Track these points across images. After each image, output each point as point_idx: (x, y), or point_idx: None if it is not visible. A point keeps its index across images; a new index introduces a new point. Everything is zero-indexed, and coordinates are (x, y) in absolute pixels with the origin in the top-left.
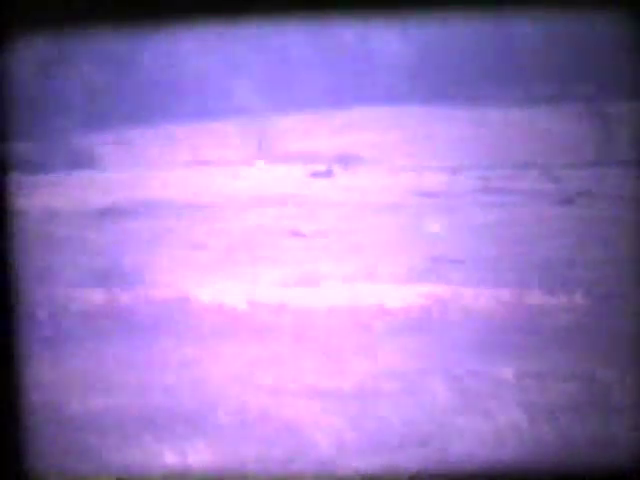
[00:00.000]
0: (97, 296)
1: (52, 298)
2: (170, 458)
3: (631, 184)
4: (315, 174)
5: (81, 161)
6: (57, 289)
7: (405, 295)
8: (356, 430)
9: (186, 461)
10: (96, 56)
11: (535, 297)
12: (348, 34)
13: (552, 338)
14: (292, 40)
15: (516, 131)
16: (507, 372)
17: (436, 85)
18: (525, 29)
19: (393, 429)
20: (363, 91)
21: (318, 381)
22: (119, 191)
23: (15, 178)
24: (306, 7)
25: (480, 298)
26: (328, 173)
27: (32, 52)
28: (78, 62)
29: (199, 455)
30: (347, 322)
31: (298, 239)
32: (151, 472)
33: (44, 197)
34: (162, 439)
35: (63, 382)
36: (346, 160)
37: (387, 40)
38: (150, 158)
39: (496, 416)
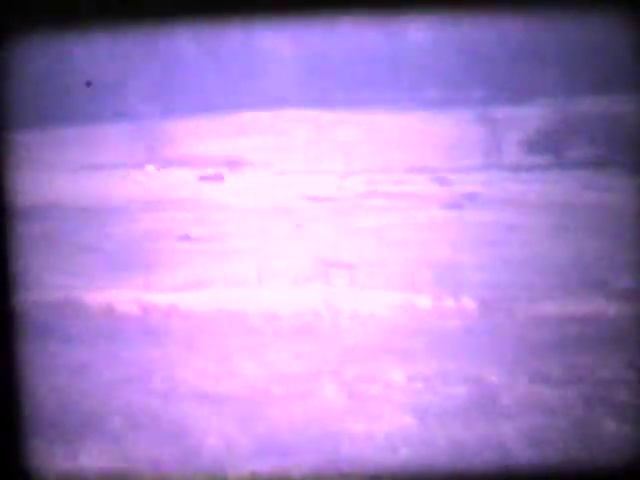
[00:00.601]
0: None
1: None
2: (62, 461)
3: (519, 188)
4: (205, 178)
5: None
6: None
7: (295, 299)
8: (247, 433)
9: (78, 463)
10: None
11: (424, 301)
12: (238, 40)
13: (441, 342)
14: (183, 46)
15: (405, 135)
16: (397, 376)
17: (326, 89)
18: (417, 35)
19: (284, 432)
20: (253, 96)
21: (209, 384)
22: (8, 194)
23: None
24: (196, 13)
25: (369, 302)
26: (218, 177)
27: None
28: None
29: (91, 457)
30: (237, 326)
31: (188, 243)
32: (47, 475)
33: None
34: (54, 442)
35: None
36: (235, 164)
37: (277, 45)
38: (40, 161)
39: (386, 420)
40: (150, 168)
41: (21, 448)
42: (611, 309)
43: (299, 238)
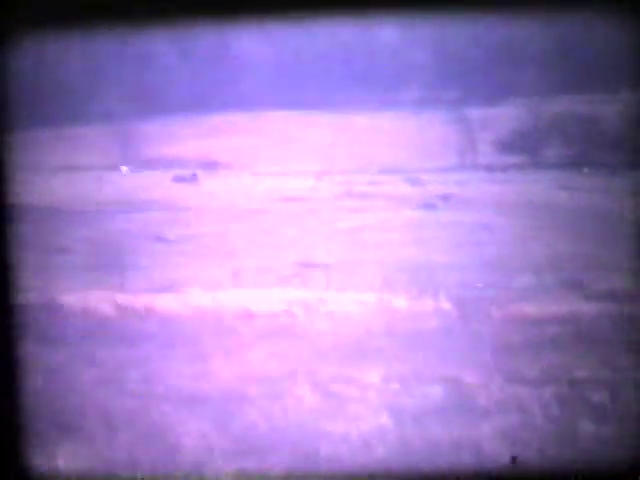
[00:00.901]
0: None
1: None
2: (39, 461)
3: (494, 188)
4: (179, 179)
5: None
6: None
7: (270, 300)
8: (223, 434)
9: (55, 464)
10: None
11: (400, 301)
12: (211, 41)
13: (417, 342)
14: (156, 46)
15: (380, 136)
16: (373, 376)
17: (300, 90)
18: (390, 35)
19: (260, 433)
20: (227, 97)
21: (185, 385)
22: None
23: None
24: (170, 16)
25: (345, 302)
26: (192, 178)
27: None
28: None
29: (68, 458)
30: (213, 327)
31: (163, 244)
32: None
33: None
34: (30, 443)
35: None
36: (210, 165)
37: (251, 46)
38: (14, 163)
39: (362, 420)
40: (124, 169)
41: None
42: (587, 309)
43: (274, 239)
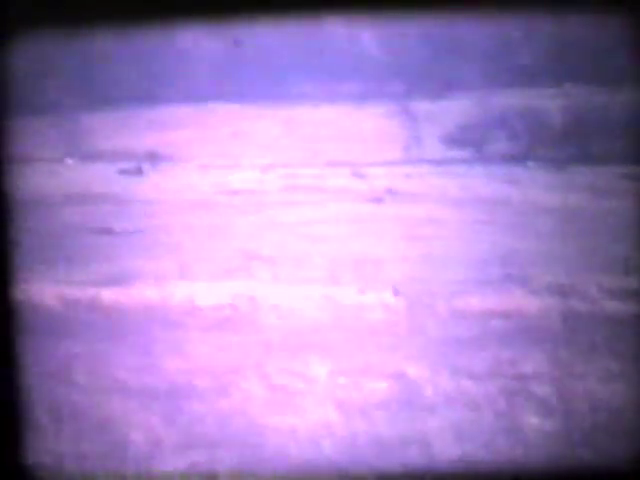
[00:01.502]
0: None
1: None
2: None
3: (440, 182)
4: (125, 172)
5: None
6: None
7: (216, 293)
8: (170, 427)
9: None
10: None
11: (346, 295)
12: (156, 34)
13: (363, 336)
14: (102, 40)
15: (326, 129)
16: (319, 370)
17: (245, 82)
18: (335, 28)
19: (207, 427)
20: (172, 89)
21: (131, 379)
22: None
23: None
24: (116, 10)
25: (291, 296)
26: (138, 171)
27: None
28: None
29: (13, 452)
30: (159, 320)
31: (109, 237)
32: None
33: None
34: None
35: None
36: (155, 158)
37: (195, 39)
38: None
39: (309, 414)
40: (69, 161)
41: None
42: (533, 304)
43: (220, 232)
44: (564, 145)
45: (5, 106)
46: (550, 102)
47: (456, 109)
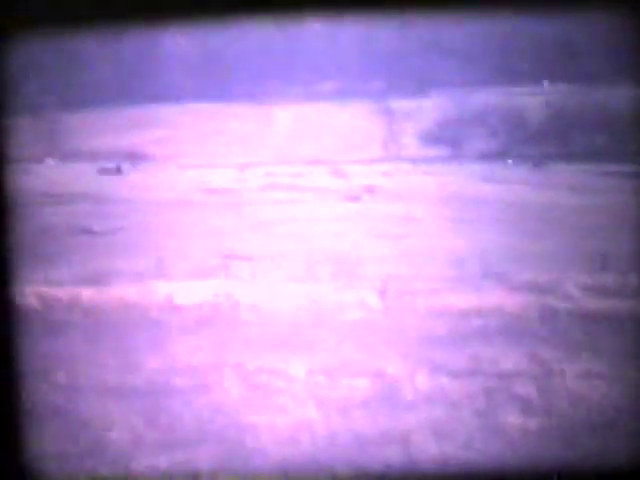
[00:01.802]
0: None
1: None
2: None
3: (418, 180)
4: (104, 171)
5: None
6: None
7: (195, 291)
8: (150, 426)
9: None
10: None
11: (325, 293)
12: (136, 36)
13: (343, 334)
14: (81, 41)
15: (303, 128)
16: (298, 368)
17: (223, 83)
18: (313, 28)
19: (187, 425)
20: (151, 89)
21: (111, 378)
22: None
23: None
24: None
25: (270, 294)
26: (117, 170)
27: None
28: None
29: None
30: (138, 319)
31: (88, 236)
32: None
33: None
34: None
35: None
36: (135, 158)
37: (175, 41)
38: None
39: (289, 412)
40: (50, 161)
41: None
42: (512, 301)
43: (198, 231)
44: (543, 143)
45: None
46: (529, 100)
47: (435, 107)
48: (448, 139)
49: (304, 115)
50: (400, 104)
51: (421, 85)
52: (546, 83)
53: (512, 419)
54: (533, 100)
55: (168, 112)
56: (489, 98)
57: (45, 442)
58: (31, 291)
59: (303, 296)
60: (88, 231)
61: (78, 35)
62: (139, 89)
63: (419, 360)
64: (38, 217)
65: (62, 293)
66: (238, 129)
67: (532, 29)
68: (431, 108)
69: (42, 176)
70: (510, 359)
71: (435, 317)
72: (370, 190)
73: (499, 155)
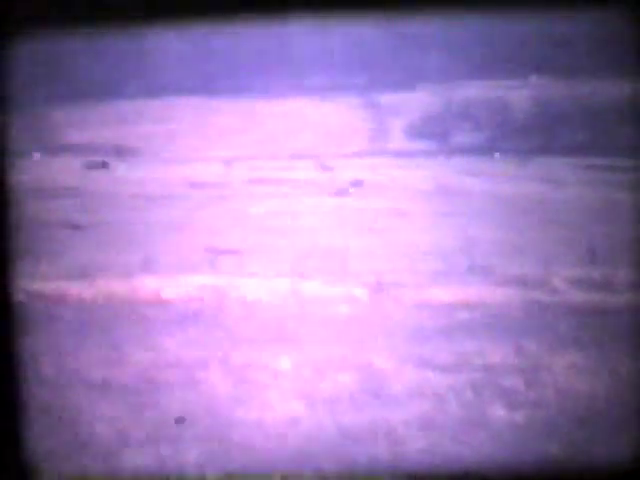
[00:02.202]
0: None
1: None
2: None
3: (404, 174)
4: (90, 166)
5: None
6: None
7: (181, 286)
8: (137, 421)
9: None
10: None
11: (312, 287)
12: (122, 32)
13: (329, 328)
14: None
15: (290, 122)
16: (285, 362)
17: (208, 77)
18: (299, 23)
19: (174, 420)
20: (137, 84)
21: (98, 372)
22: None
23: None
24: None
25: (256, 288)
26: (103, 165)
27: None
28: None
29: None
30: (125, 313)
31: (75, 231)
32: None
33: None
34: None
35: None
36: (121, 152)
37: (162, 37)
38: None
39: (275, 407)
40: (36, 156)
41: None
42: (498, 295)
43: (184, 225)
44: (529, 136)
45: None
46: (515, 94)
47: (420, 101)
48: (434, 133)
49: (290, 109)
50: (386, 98)
51: (407, 79)
52: (532, 77)
53: (499, 412)
54: (519, 94)
55: (154, 107)
56: (475, 92)
57: (33, 437)
58: (18, 286)
59: (290, 290)
60: (74, 226)
61: (65, 31)
62: (124, 84)
63: (406, 354)
64: (24, 212)
65: (48, 288)
66: (224, 123)
67: (518, 23)
68: (417, 102)
69: (28, 171)
70: (497, 352)
71: (422, 311)
72: (356, 184)
73: (485, 149)
